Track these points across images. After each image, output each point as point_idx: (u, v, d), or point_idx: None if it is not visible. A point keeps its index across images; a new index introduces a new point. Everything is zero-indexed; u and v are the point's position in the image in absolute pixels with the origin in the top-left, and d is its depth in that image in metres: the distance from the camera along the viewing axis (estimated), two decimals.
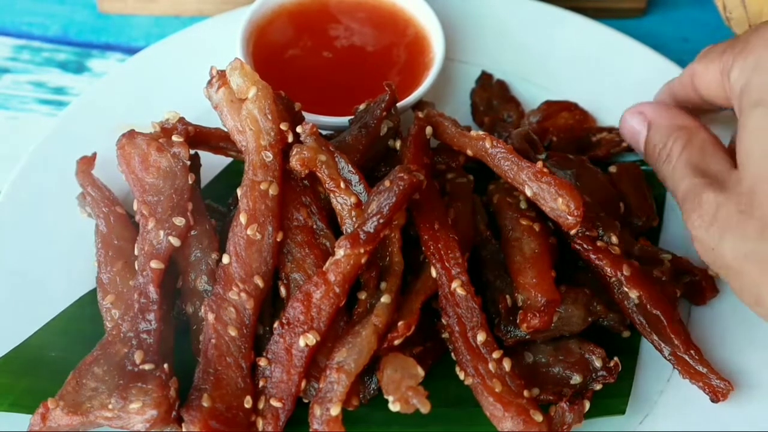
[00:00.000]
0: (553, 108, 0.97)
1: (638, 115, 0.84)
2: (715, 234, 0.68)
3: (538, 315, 0.75)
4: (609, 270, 0.78)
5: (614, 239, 0.80)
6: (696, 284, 0.84)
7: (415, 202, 0.78)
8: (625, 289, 0.78)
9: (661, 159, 0.78)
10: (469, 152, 0.83)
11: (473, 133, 0.83)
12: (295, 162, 0.77)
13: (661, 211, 0.91)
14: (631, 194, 0.90)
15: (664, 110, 0.82)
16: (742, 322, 0.83)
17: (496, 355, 0.75)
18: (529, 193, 0.79)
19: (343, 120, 0.89)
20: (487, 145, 0.81)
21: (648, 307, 0.78)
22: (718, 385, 0.77)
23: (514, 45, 1.05)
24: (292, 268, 0.79)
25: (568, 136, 0.94)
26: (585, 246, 0.80)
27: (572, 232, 0.78)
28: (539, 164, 0.79)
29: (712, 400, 0.77)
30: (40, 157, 0.92)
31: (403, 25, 1.02)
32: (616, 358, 0.78)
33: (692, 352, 0.78)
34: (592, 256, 0.79)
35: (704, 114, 0.85)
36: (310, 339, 0.74)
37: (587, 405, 0.76)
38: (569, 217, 0.77)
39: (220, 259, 0.78)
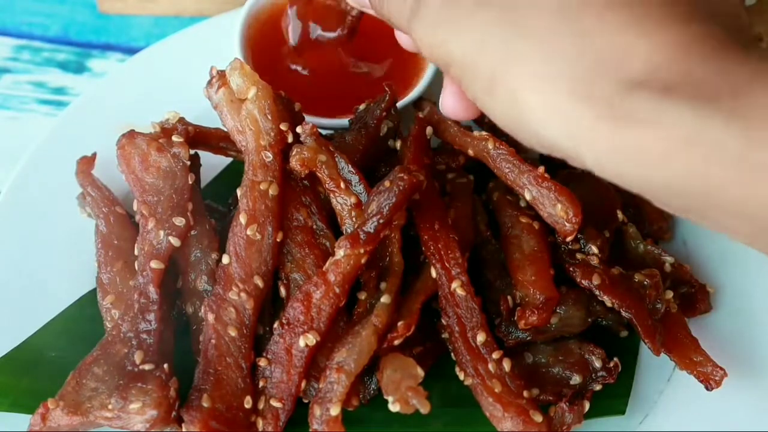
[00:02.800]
0: None
1: None
2: (444, 33, 0.59)
3: (536, 312, 0.75)
4: (579, 279, 0.78)
5: (594, 249, 0.80)
6: (691, 296, 0.84)
7: (415, 202, 0.78)
8: (600, 295, 0.78)
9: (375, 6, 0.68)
10: (471, 152, 0.83)
11: (476, 133, 0.83)
12: (295, 162, 0.77)
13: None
14: (647, 203, 0.90)
15: None
16: (740, 327, 0.84)
17: (495, 355, 0.75)
18: (528, 197, 0.79)
19: (343, 120, 0.89)
20: (490, 146, 0.81)
21: (622, 311, 0.77)
22: (710, 372, 0.76)
23: None
24: (292, 268, 0.79)
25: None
26: (563, 257, 0.80)
27: (568, 239, 0.78)
28: (540, 169, 0.79)
29: (707, 388, 0.76)
30: (40, 157, 0.92)
31: None
32: (615, 359, 0.78)
33: (670, 354, 0.78)
34: (566, 266, 0.80)
35: None
36: (310, 339, 0.74)
37: (587, 405, 0.76)
38: (567, 224, 0.77)
39: (220, 259, 0.78)
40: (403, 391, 0.69)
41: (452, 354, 0.77)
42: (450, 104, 0.70)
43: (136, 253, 0.79)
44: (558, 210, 0.77)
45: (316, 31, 0.89)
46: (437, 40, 0.59)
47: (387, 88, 0.85)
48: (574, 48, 0.51)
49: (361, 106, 0.87)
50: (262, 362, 0.75)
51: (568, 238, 0.78)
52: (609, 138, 0.50)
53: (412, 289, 0.78)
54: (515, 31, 0.54)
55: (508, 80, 0.54)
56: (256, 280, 0.76)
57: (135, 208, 0.80)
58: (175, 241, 0.78)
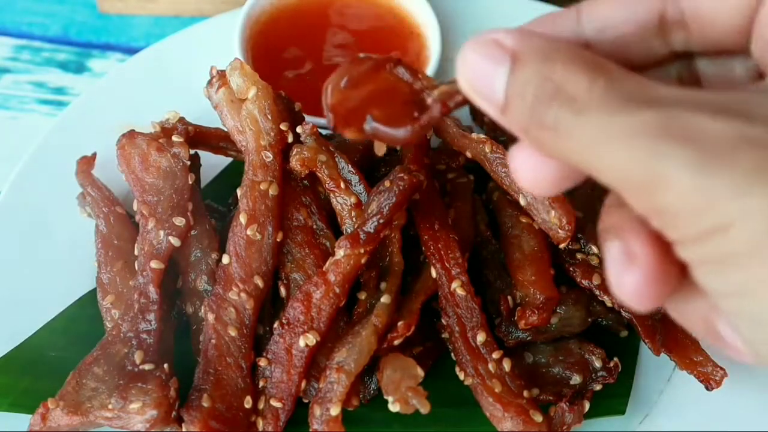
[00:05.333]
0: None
1: (492, 46, 0.46)
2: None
3: (536, 312, 0.75)
4: (579, 279, 0.78)
5: (594, 249, 0.80)
6: None
7: (415, 202, 0.78)
8: (600, 295, 0.78)
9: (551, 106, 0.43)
10: (469, 154, 0.83)
11: (474, 135, 0.83)
12: (295, 162, 0.77)
13: None
14: None
15: (538, 37, 0.46)
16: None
17: (495, 355, 0.75)
18: (522, 202, 0.79)
19: None
20: (487, 149, 0.81)
21: (622, 311, 0.78)
22: (710, 372, 0.76)
23: None
24: (292, 268, 0.79)
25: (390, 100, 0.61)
26: (563, 257, 0.80)
27: (561, 245, 0.78)
28: None
29: (707, 388, 0.76)
30: (40, 157, 0.92)
31: (400, 23, 1.02)
32: (615, 359, 0.78)
33: (670, 354, 0.78)
34: (566, 266, 0.80)
35: None
36: (310, 339, 0.74)
37: (587, 405, 0.76)
38: (560, 231, 0.77)
39: (220, 259, 0.78)
40: (403, 391, 0.69)
41: (452, 354, 0.77)
42: (529, 170, 0.47)
43: (136, 253, 0.79)
44: (551, 216, 0.77)
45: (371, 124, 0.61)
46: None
47: None
48: None
49: None
50: (262, 362, 0.75)
51: (561, 245, 0.78)
52: None
53: (412, 289, 0.78)
54: None
55: None
56: (256, 280, 0.76)
57: (135, 208, 0.80)
58: (175, 241, 0.78)
